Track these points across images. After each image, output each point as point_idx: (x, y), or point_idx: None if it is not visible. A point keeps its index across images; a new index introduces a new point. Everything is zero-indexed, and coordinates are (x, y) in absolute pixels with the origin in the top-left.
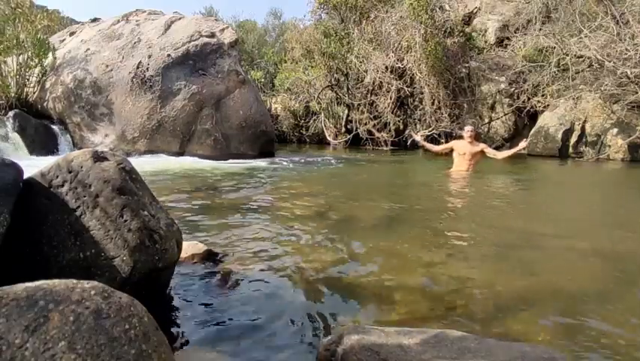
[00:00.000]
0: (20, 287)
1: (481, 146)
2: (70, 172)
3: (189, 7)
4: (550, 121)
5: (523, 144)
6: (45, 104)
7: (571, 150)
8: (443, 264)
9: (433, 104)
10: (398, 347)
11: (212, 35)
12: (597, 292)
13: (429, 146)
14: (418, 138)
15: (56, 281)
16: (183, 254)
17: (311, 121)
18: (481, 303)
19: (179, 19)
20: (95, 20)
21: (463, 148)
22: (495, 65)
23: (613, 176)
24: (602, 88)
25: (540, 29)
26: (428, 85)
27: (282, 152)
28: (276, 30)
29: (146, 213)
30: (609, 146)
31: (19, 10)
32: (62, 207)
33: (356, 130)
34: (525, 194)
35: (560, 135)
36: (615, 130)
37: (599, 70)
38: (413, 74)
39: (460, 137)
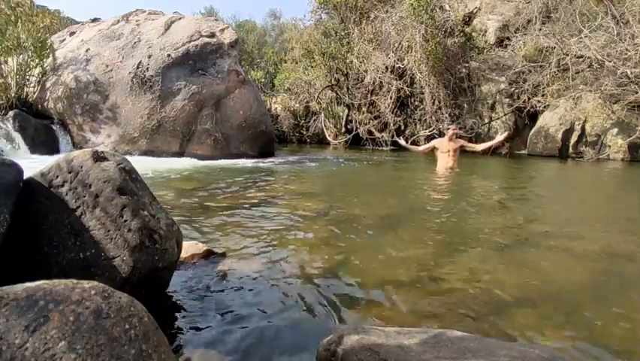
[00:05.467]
0: (20, 287)
1: (461, 141)
2: (70, 172)
3: (189, 7)
4: (551, 121)
5: (500, 137)
6: (45, 104)
7: (571, 150)
8: (443, 264)
9: (433, 104)
10: (398, 347)
11: (212, 35)
12: (597, 291)
13: (412, 148)
14: (402, 142)
15: (56, 281)
16: (183, 254)
17: (311, 121)
18: (481, 303)
19: (179, 19)
20: (95, 20)
21: (445, 146)
22: (495, 65)
23: (613, 176)
24: (602, 88)
25: (540, 29)
26: (428, 85)
27: (282, 152)
28: (276, 30)
29: (146, 213)
30: (609, 146)
31: (20, 9)
32: (62, 207)
33: (356, 130)
34: (524, 194)
35: (560, 135)
36: (615, 130)
37: (599, 70)
38: (413, 74)
39: (442, 135)
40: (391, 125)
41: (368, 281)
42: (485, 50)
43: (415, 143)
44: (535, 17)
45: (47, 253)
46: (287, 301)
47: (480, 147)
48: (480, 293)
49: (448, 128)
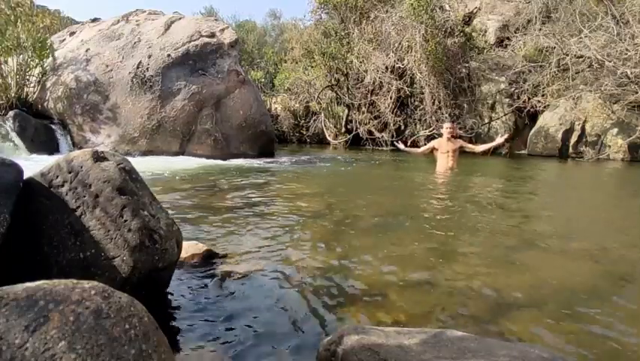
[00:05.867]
0: (20, 287)
1: (460, 142)
2: (70, 172)
3: (189, 7)
4: (551, 121)
5: (500, 139)
6: (45, 104)
7: (571, 150)
8: (443, 264)
9: (433, 104)
10: (398, 347)
11: (212, 35)
12: (597, 292)
13: (412, 150)
14: (401, 146)
15: (56, 281)
16: (183, 254)
17: (311, 121)
18: (481, 303)
19: (179, 19)
20: (95, 20)
21: (444, 146)
22: (495, 65)
23: (613, 176)
24: (602, 88)
25: (540, 29)
26: (428, 85)
27: (282, 152)
28: (276, 30)
29: (146, 213)
30: (609, 146)
31: (20, 9)
32: (62, 207)
33: (356, 130)
34: (524, 194)
35: (560, 135)
36: (615, 130)
37: (599, 70)
38: (413, 74)
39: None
40: (391, 125)
41: (368, 281)
42: (485, 50)
43: (414, 143)
44: (535, 17)
45: (47, 253)
46: (287, 301)
47: (479, 148)
48: (480, 293)
49: (442, 126)
